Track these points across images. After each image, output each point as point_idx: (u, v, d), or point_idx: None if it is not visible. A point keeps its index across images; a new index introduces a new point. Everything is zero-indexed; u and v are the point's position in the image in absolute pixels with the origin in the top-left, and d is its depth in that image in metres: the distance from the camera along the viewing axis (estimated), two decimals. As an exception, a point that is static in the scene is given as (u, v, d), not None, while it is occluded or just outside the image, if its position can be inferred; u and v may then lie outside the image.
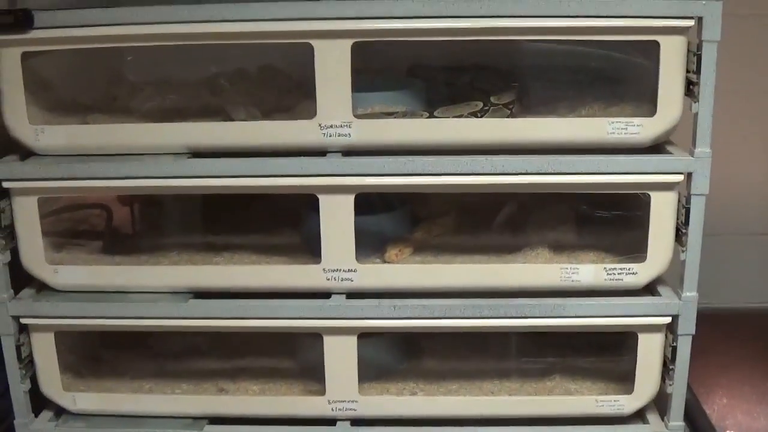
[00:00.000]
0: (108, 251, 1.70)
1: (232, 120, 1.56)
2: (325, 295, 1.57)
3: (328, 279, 1.55)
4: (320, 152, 1.51)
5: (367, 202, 1.55)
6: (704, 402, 1.79)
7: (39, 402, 1.67)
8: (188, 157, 1.52)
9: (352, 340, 1.57)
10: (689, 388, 1.60)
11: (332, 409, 1.62)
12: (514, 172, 1.49)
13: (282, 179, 1.50)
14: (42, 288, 1.62)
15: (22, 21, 1.44)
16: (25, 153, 1.55)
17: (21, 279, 1.61)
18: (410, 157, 1.49)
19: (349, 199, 1.50)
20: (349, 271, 1.55)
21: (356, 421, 1.63)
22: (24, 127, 1.52)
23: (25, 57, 1.48)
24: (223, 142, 1.52)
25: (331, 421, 1.64)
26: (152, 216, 1.82)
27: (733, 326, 2.02)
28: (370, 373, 1.64)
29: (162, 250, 1.68)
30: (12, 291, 1.59)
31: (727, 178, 1.70)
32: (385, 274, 1.57)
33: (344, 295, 1.57)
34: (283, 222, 1.72)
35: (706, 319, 1.55)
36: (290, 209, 1.69)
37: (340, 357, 1.58)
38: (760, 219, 2.17)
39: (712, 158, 1.47)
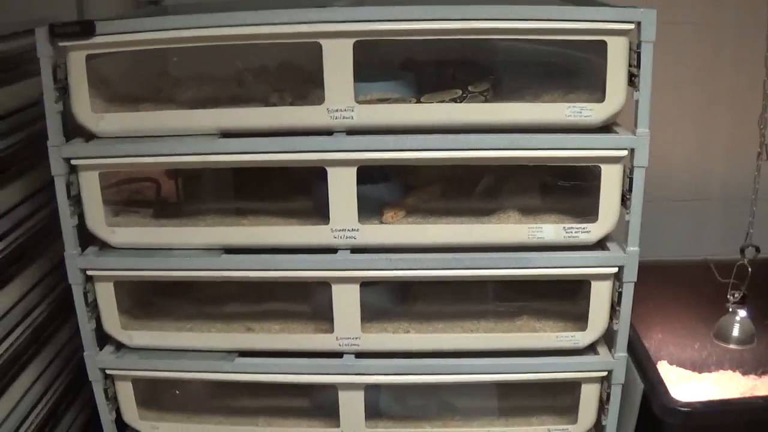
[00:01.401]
0: (157, 216, 1.67)
1: (267, 102, 1.53)
2: (333, 250, 1.54)
3: (335, 237, 1.52)
4: (328, 132, 1.48)
5: (368, 174, 1.52)
6: (643, 337, 1.80)
7: (103, 339, 1.65)
8: (219, 137, 1.49)
9: (356, 288, 1.54)
10: (631, 325, 1.57)
11: (339, 345, 1.59)
12: (488, 147, 1.46)
13: (297, 155, 1.47)
14: (103, 246, 1.59)
15: (87, 29, 1.43)
16: (89, 136, 1.52)
17: (87, 239, 1.58)
18: (402, 136, 1.46)
19: (352, 171, 1.47)
20: (353, 230, 1.52)
21: (359, 354, 1.61)
22: (87, 115, 1.49)
23: (89, 58, 1.46)
24: (248, 125, 1.49)
25: (338, 354, 1.61)
26: (192, 187, 1.78)
27: (667, 275, 2.01)
28: (370, 314, 1.61)
29: (200, 215, 1.64)
30: (80, 248, 1.56)
31: (663, 154, 1.65)
32: (382, 232, 1.54)
33: (349, 251, 1.54)
34: (298, 191, 1.67)
35: (646, 270, 1.52)
36: (304, 180, 1.64)
37: (346, 302, 1.56)
38: (690, 187, 2.14)
39: (651, 137, 1.44)
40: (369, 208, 1.53)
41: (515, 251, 1.51)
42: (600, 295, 1.53)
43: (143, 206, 1.68)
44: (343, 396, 1.61)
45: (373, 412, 1.66)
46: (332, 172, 1.46)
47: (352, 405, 1.61)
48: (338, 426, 1.63)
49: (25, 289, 1.80)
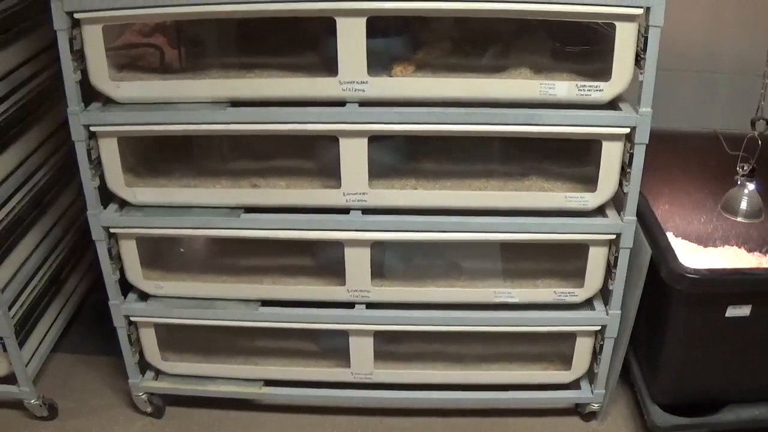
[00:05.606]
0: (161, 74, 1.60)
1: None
2: (341, 103, 1.48)
3: (344, 90, 1.46)
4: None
5: (378, 28, 1.45)
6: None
7: (106, 197, 1.60)
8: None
9: (364, 142, 1.50)
10: (640, 192, 1.53)
11: (346, 200, 1.56)
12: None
13: (303, 4, 1.39)
14: (108, 102, 1.53)
15: None
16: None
17: (91, 99, 1.52)
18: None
19: (362, 21, 1.40)
20: (362, 83, 1.46)
21: (366, 211, 1.58)
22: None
23: None
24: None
25: (345, 211, 1.58)
26: (195, 49, 1.69)
27: (675, 146, 1.96)
28: (378, 171, 1.57)
29: (205, 69, 1.57)
30: (83, 104, 1.50)
31: (676, 23, 1.57)
32: (391, 85, 1.48)
33: (357, 104, 1.48)
34: (305, 46, 1.60)
35: (654, 139, 1.48)
36: (311, 35, 1.58)
37: (354, 156, 1.51)
38: (701, 60, 2.05)
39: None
40: (378, 63, 1.47)
41: (526, 107, 1.45)
42: (611, 156, 1.49)
43: (148, 71, 1.62)
44: (349, 253, 1.58)
45: (378, 272, 1.63)
46: (341, 23, 1.39)
47: (358, 262, 1.58)
48: (344, 284, 1.61)
49: (28, 151, 1.77)
